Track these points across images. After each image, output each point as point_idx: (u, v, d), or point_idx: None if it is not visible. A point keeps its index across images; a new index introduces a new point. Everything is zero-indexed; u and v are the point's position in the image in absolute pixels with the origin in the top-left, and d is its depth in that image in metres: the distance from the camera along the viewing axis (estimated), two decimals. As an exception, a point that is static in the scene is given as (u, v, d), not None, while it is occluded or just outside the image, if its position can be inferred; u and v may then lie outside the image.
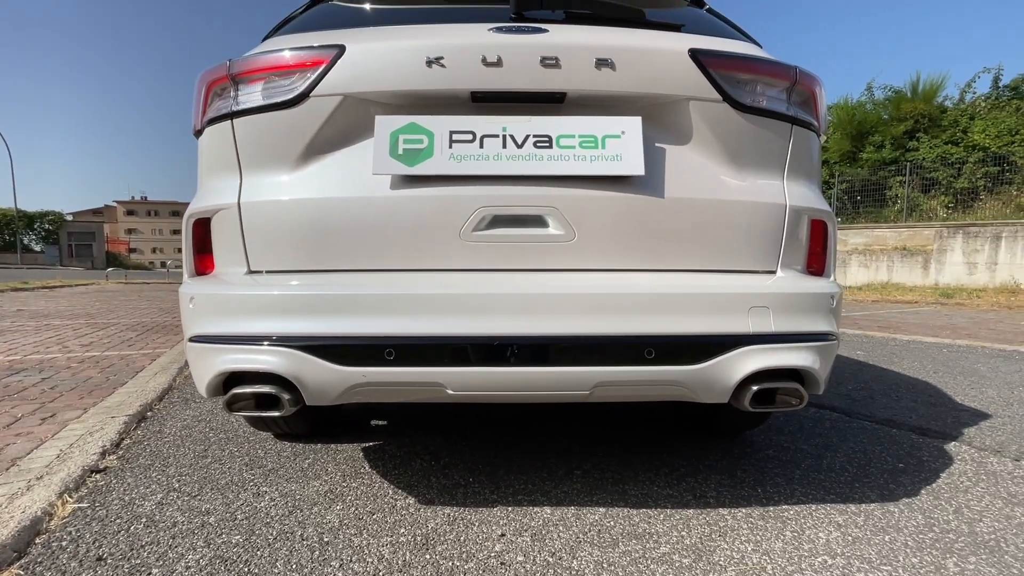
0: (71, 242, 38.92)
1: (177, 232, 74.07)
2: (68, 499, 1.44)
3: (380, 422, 2.18)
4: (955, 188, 11.82)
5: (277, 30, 1.52)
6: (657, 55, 1.23)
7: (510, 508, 1.43)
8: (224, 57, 1.32)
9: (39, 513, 1.33)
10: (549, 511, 1.42)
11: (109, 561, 1.17)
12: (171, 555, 1.20)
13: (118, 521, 1.35)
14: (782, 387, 1.19)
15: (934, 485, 1.60)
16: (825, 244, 1.38)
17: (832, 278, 1.39)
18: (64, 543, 1.24)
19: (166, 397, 2.62)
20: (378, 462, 1.75)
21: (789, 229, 1.29)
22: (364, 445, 1.91)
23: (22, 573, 1.12)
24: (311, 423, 1.92)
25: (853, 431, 2.12)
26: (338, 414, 2.15)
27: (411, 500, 1.48)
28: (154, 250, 72.77)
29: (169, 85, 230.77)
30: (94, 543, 1.24)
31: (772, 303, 1.18)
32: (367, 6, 1.52)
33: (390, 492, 1.53)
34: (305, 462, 1.75)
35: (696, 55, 1.23)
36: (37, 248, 37.82)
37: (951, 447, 1.93)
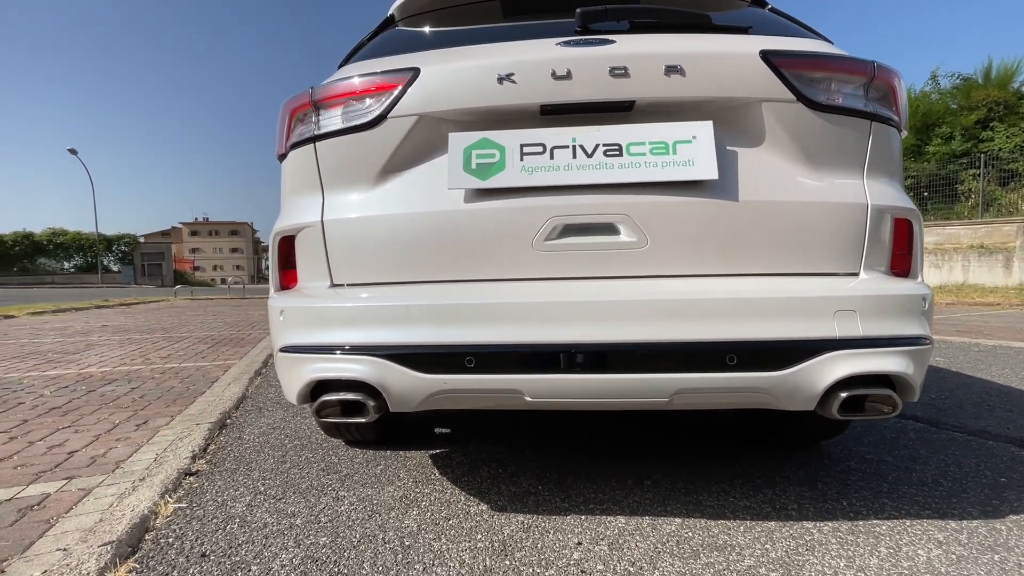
0: (143, 262, 42.04)
1: (235, 250, 78.48)
2: (169, 499, 1.56)
3: (444, 430, 2.22)
4: (1038, 179, 10.89)
5: (350, 57, 1.61)
6: (728, 59, 1.22)
7: (583, 517, 1.43)
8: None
9: (146, 512, 1.44)
10: (623, 520, 1.40)
11: (212, 558, 1.25)
12: (266, 554, 1.27)
13: (215, 521, 1.44)
14: (873, 394, 1.14)
15: (1044, 502, 1.47)
16: (910, 243, 1.32)
17: (920, 279, 1.32)
18: (170, 540, 1.34)
19: (241, 406, 2.78)
20: (447, 469, 1.79)
21: (872, 229, 1.24)
22: (431, 452, 1.95)
23: (138, 567, 1.22)
24: (380, 431, 1.99)
25: (942, 442, 1.98)
26: (403, 423, 2.22)
27: (484, 507, 1.50)
28: (215, 267, 77.34)
29: (228, 110, 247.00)
30: (196, 541, 1.34)
31: (859, 306, 1.13)
32: (434, 29, 1.59)
33: (462, 498, 1.56)
34: (377, 468, 1.81)
35: (768, 56, 1.21)
36: (115, 268, 41.06)
37: (1060, 461, 1.77)
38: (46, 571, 1.16)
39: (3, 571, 1.17)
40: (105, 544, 1.25)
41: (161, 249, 44.72)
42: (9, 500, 1.53)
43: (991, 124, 11.93)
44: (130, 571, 1.20)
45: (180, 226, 79.69)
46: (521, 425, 2.24)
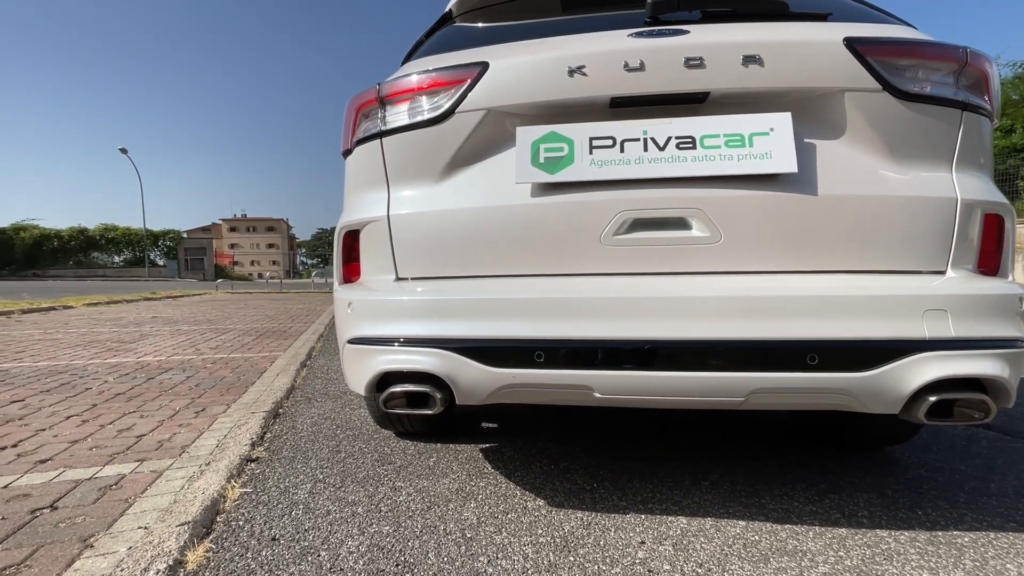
0: (186, 257, 43.83)
1: (271, 246, 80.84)
2: (235, 484, 1.61)
3: (491, 425, 2.23)
4: (1109, 175, 10.16)
5: (412, 54, 1.62)
6: (810, 47, 1.17)
7: (643, 516, 1.41)
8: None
9: (216, 495, 1.49)
10: (685, 521, 1.38)
11: (282, 541, 1.29)
12: (332, 540, 1.30)
13: (280, 506, 1.49)
14: (964, 398, 1.08)
15: None
16: (1001, 240, 1.24)
17: (1010, 278, 1.25)
18: (241, 523, 1.39)
19: (291, 396, 2.86)
20: (499, 464, 1.80)
21: (961, 225, 1.18)
22: (481, 447, 1.96)
23: (214, 547, 1.27)
24: (432, 424, 2.02)
25: (1020, 452, 1.87)
26: (452, 417, 2.24)
27: (540, 502, 1.50)
28: (252, 262, 79.77)
29: (264, 112, 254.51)
30: (265, 524, 1.38)
31: (951, 306, 1.07)
32: (492, 24, 1.59)
33: (518, 493, 1.56)
34: (430, 460, 1.83)
35: (853, 44, 1.16)
36: (160, 263, 42.95)
37: None
38: (131, 547, 1.21)
39: (91, 546, 1.23)
40: (182, 524, 1.30)
41: (203, 244, 46.50)
42: (89, 479, 1.61)
43: (1056, 116, 11.21)
44: (207, 551, 1.24)
45: (220, 222, 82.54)
46: (568, 422, 2.23)
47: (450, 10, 1.73)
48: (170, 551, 1.19)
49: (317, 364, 3.81)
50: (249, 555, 1.23)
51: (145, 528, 1.30)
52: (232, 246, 79.49)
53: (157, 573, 1.12)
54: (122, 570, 1.13)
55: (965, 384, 1.08)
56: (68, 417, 2.30)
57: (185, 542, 1.24)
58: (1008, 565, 1.16)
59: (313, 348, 4.48)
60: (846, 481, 1.62)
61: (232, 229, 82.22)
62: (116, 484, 1.58)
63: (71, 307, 8.95)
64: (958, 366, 1.05)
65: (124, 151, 35.36)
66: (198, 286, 24.24)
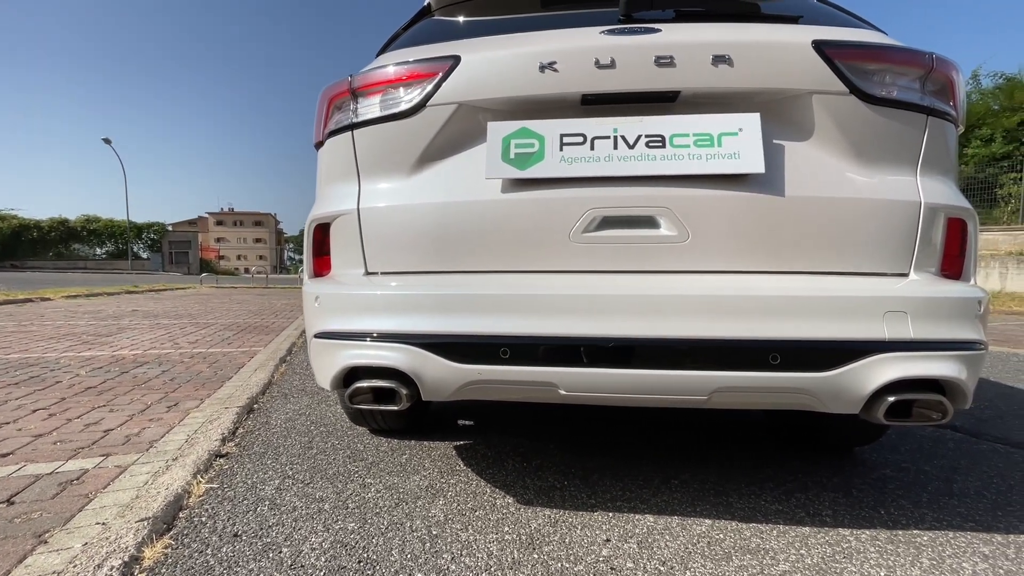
0: (171, 250, 43.14)
1: (259, 240, 79.90)
2: (201, 479, 1.59)
3: (467, 422, 2.22)
4: (1084, 185, 10.44)
5: (388, 46, 1.60)
6: (778, 49, 1.18)
7: (610, 514, 1.41)
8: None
9: (180, 491, 1.47)
10: (652, 519, 1.38)
11: (244, 538, 1.27)
12: (296, 536, 1.28)
13: (245, 502, 1.47)
14: (922, 399, 1.10)
15: (1098, 519, 1.40)
16: (964, 245, 1.26)
17: (972, 281, 1.27)
18: (204, 519, 1.37)
19: (267, 392, 2.82)
20: (471, 461, 1.79)
21: (924, 228, 1.19)
22: (455, 444, 1.96)
23: (173, 543, 1.24)
24: (406, 420, 2.00)
25: (983, 454, 1.91)
26: (428, 413, 2.22)
27: (510, 499, 1.49)
28: (238, 257, 78.76)
29: (254, 105, 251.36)
30: (228, 521, 1.36)
31: (911, 308, 1.09)
32: (471, 18, 1.58)
33: (488, 490, 1.56)
34: (402, 457, 1.82)
35: (820, 47, 1.17)
36: (144, 255, 42.21)
37: (1112, 477, 1.69)
38: (87, 543, 1.19)
39: (46, 542, 1.20)
40: (142, 520, 1.28)
41: (188, 238, 45.83)
42: (50, 474, 1.57)
43: (1035, 126, 11.47)
44: (166, 547, 1.22)
45: (206, 216, 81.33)
46: (544, 420, 2.23)
47: (429, 3, 1.72)
48: (127, 547, 1.17)
49: (297, 360, 3.77)
50: (209, 551, 1.21)
51: (103, 524, 1.28)
52: (218, 240, 78.37)
53: (112, 570, 1.09)
54: (75, 566, 1.10)
55: (923, 385, 1.10)
56: (34, 411, 2.25)
57: (143, 538, 1.21)
58: (964, 564, 1.18)
59: (294, 344, 4.43)
60: (813, 481, 1.64)
61: (219, 223, 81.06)
62: (78, 479, 1.54)
63: (49, 299, 8.77)
64: (915, 367, 1.06)
65: (108, 141, 34.68)
66: (182, 280, 23.87)
